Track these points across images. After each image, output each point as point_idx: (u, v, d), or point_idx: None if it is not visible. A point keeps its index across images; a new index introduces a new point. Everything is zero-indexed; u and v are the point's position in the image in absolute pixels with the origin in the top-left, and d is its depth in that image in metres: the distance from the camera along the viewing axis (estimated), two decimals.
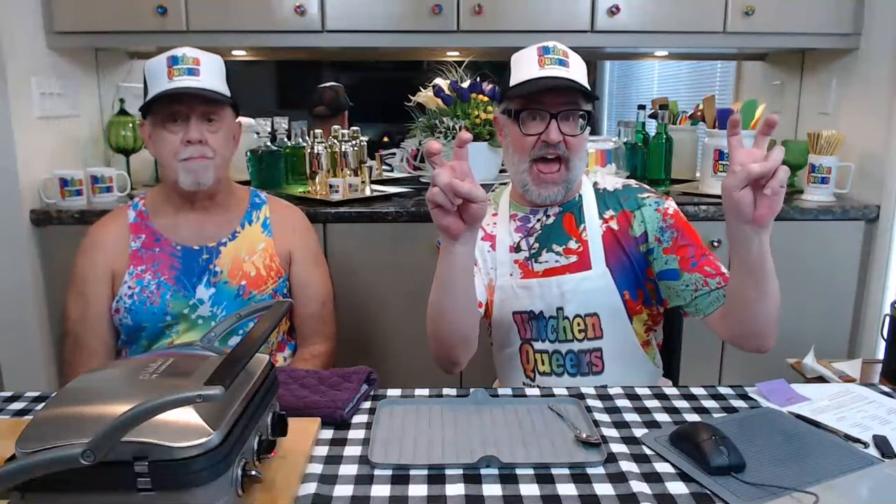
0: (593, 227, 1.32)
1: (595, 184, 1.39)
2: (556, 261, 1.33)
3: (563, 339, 1.32)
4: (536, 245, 1.35)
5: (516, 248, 1.36)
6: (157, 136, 1.38)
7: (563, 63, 1.26)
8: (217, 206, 1.48)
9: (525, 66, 1.27)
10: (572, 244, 1.33)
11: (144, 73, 1.39)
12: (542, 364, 1.35)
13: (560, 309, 1.31)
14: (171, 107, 1.36)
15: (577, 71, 1.28)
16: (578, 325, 1.31)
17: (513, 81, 1.28)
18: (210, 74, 1.38)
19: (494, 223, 1.40)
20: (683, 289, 1.27)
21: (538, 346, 1.34)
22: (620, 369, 1.33)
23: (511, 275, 1.35)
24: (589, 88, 1.28)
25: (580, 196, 1.36)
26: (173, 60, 1.36)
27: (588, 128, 1.30)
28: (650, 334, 1.39)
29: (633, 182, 1.40)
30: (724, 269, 1.26)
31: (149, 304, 1.40)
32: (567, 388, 1.22)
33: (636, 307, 1.33)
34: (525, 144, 1.28)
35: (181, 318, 1.42)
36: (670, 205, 1.33)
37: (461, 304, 1.19)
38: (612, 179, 1.41)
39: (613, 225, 1.33)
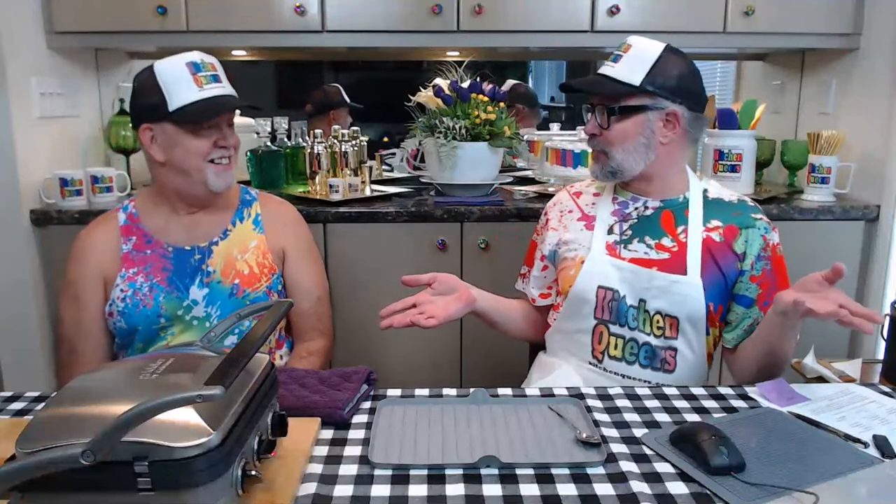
0: (695, 232, 1.33)
1: (706, 190, 1.39)
2: (646, 253, 1.34)
3: (641, 329, 1.33)
4: (629, 232, 1.37)
5: (608, 231, 1.38)
6: (181, 141, 1.37)
7: (616, 59, 1.32)
8: (209, 206, 1.47)
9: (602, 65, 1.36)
10: (666, 241, 1.34)
11: (157, 77, 1.35)
12: (615, 348, 1.34)
13: (643, 301, 1.32)
14: (204, 114, 1.36)
15: (628, 65, 1.30)
16: (657, 322, 1.32)
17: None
18: (226, 79, 1.42)
19: (593, 203, 1.43)
20: (745, 318, 1.33)
21: (614, 329, 1.34)
22: (689, 373, 1.33)
23: (605, 253, 1.36)
24: (623, 80, 1.29)
25: (685, 198, 1.37)
26: (195, 67, 1.36)
27: (632, 119, 1.30)
28: (713, 348, 1.40)
29: (748, 199, 1.41)
30: None
31: (142, 307, 1.40)
32: (635, 377, 1.31)
33: (716, 320, 1.34)
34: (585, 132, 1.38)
35: (175, 319, 1.42)
36: (775, 237, 1.36)
37: (503, 326, 1.48)
38: (726, 191, 1.41)
39: (716, 236, 1.33)
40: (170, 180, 1.42)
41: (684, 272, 1.30)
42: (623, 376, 1.33)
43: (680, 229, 1.34)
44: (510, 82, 3.22)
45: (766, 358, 1.27)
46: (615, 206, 1.40)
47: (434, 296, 1.30)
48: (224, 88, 1.39)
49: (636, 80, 1.28)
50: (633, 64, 1.30)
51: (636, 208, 1.38)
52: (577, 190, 1.49)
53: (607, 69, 1.32)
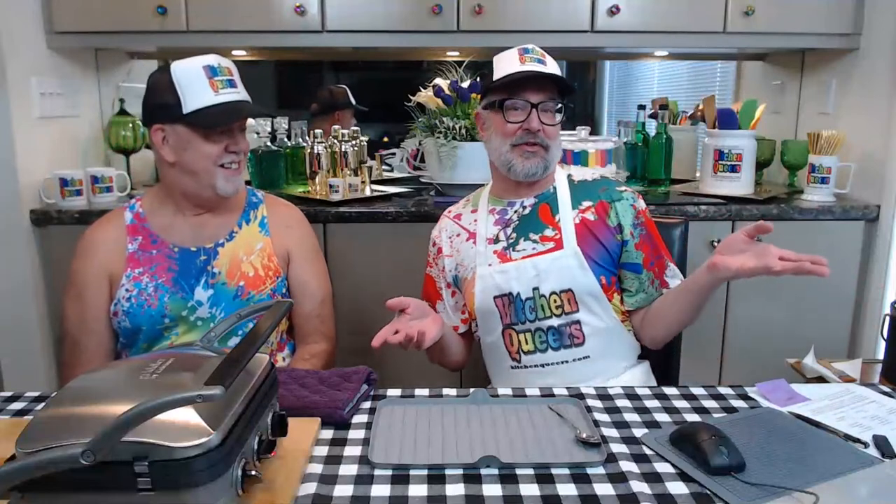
0: (566, 214, 1.40)
1: (570, 176, 1.47)
2: (534, 248, 1.40)
3: (542, 316, 1.37)
4: (514, 235, 1.42)
5: (495, 240, 1.43)
6: (193, 143, 1.36)
7: (541, 62, 1.38)
8: (215, 207, 1.48)
9: (507, 64, 1.38)
10: (548, 232, 1.40)
11: (173, 78, 1.34)
12: (526, 344, 1.39)
13: (536, 289, 1.37)
14: (219, 118, 1.36)
15: (553, 70, 1.38)
16: (555, 301, 1.37)
17: (496, 77, 1.39)
18: (241, 84, 1.42)
19: (475, 220, 1.48)
20: (638, 282, 1.41)
21: (519, 328, 1.39)
22: (602, 340, 1.38)
23: (490, 265, 1.41)
24: (567, 82, 1.40)
25: (554, 188, 1.44)
26: (212, 71, 1.36)
27: (562, 118, 1.40)
28: (627, 314, 1.44)
29: (609, 175, 1.50)
30: (666, 278, 1.42)
31: (147, 307, 1.40)
32: (553, 362, 1.37)
33: (611, 291, 1.40)
34: (508, 131, 1.38)
35: (179, 320, 1.42)
36: (642, 204, 1.45)
37: (444, 354, 1.49)
38: (587, 171, 1.51)
39: (589, 215, 1.41)
40: (178, 181, 1.42)
41: (563, 248, 1.38)
42: (543, 366, 1.38)
43: (557, 217, 1.41)
44: None
45: (685, 316, 1.35)
46: (494, 217, 1.46)
47: (412, 321, 1.29)
48: (239, 94, 1.40)
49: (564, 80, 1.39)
50: (555, 69, 1.39)
51: (515, 211, 1.44)
52: (456, 213, 1.54)
53: (543, 69, 1.36)
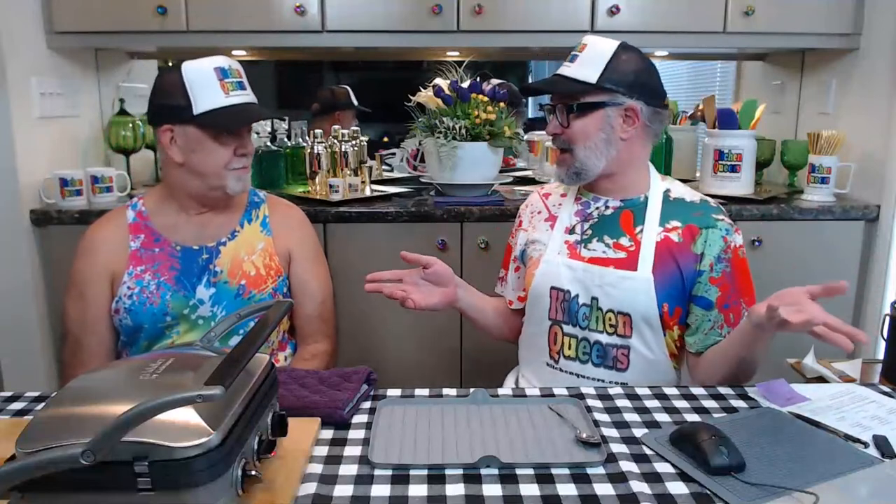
0: (650, 231, 1.33)
1: (667, 190, 1.39)
2: (604, 252, 1.35)
3: (593, 328, 1.34)
4: (590, 232, 1.38)
5: (571, 230, 1.40)
6: (203, 145, 1.37)
7: (573, 59, 1.35)
8: (217, 207, 1.48)
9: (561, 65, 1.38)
10: (624, 241, 1.35)
11: (184, 79, 1.34)
12: (569, 348, 1.36)
13: (595, 299, 1.33)
14: (230, 121, 1.36)
15: (583, 63, 1.33)
16: (610, 319, 1.33)
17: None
18: (249, 86, 1.42)
19: (560, 204, 1.46)
20: (705, 321, 1.32)
21: (567, 329, 1.36)
22: (643, 372, 1.33)
23: (559, 253, 1.38)
24: (578, 77, 1.32)
25: (646, 198, 1.38)
26: (223, 73, 1.36)
27: (591, 116, 1.32)
28: (679, 350, 1.39)
29: (711, 200, 1.41)
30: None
31: (148, 305, 1.40)
32: (588, 376, 1.33)
33: (671, 322, 1.33)
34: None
35: (181, 318, 1.42)
36: (738, 239, 1.34)
37: (483, 325, 1.51)
38: (688, 191, 1.41)
39: (675, 236, 1.33)
40: (185, 182, 1.42)
41: (635, 269, 1.32)
42: (578, 376, 1.36)
43: (638, 229, 1.35)
44: (493, 82, 3.22)
45: (735, 368, 1.25)
46: (578, 206, 1.43)
47: (422, 280, 1.34)
48: (248, 96, 1.40)
49: (592, 77, 1.31)
50: (589, 62, 1.32)
51: (597, 208, 1.40)
52: (547, 191, 1.52)
53: (564, 69, 1.35)
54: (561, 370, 1.38)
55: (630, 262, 1.32)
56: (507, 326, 1.52)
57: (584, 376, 1.35)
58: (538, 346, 1.41)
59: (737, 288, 1.32)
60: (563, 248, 1.39)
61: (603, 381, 1.33)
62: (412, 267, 1.38)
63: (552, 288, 1.37)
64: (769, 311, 1.03)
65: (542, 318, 1.39)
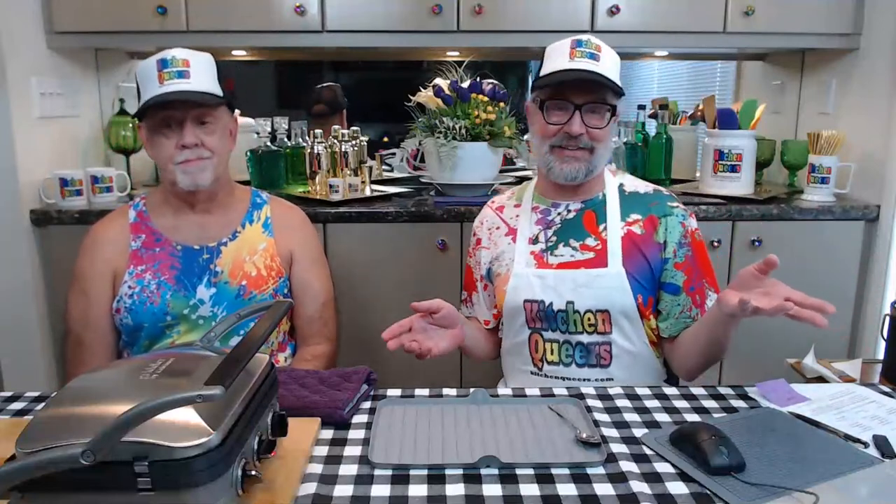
0: (614, 227, 1.35)
1: (621, 185, 1.41)
2: (572, 255, 1.35)
3: (573, 330, 1.34)
4: (554, 238, 1.38)
5: (534, 240, 1.40)
6: (153, 141, 1.38)
7: (593, 57, 1.30)
8: (218, 206, 1.48)
9: (557, 58, 1.32)
10: (590, 241, 1.36)
11: (136, 76, 1.37)
12: (551, 354, 1.36)
13: (571, 303, 1.33)
14: (163, 112, 1.35)
15: (607, 65, 1.31)
16: (588, 319, 1.33)
17: (543, 72, 1.34)
18: (201, 74, 1.37)
19: (517, 216, 1.44)
20: (675, 306, 1.35)
21: (548, 335, 1.36)
22: (627, 365, 1.35)
23: (527, 265, 1.38)
24: (617, 83, 1.31)
25: (604, 195, 1.39)
26: (163, 64, 1.34)
27: (615, 120, 1.34)
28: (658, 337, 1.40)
29: (664, 189, 1.43)
30: (708, 303, 1.35)
31: (149, 304, 1.40)
32: (574, 377, 1.32)
33: (647, 312, 1.35)
34: (548, 132, 1.33)
35: (181, 318, 1.42)
36: (693, 223, 1.39)
37: (472, 352, 1.48)
38: (641, 183, 1.43)
39: (637, 229, 1.35)
40: (163, 177, 1.44)
41: (606, 266, 1.33)
42: (563, 378, 1.35)
43: (602, 227, 1.36)
44: (485, 81, 3.22)
45: (708, 349, 1.28)
46: (537, 215, 1.42)
47: (431, 325, 1.27)
48: (189, 84, 1.34)
49: (618, 80, 1.32)
50: (612, 65, 1.32)
51: (559, 213, 1.40)
52: (500, 204, 1.51)
53: (594, 65, 1.29)
54: (546, 376, 1.37)
55: (600, 260, 1.34)
56: (488, 345, 1.50)
57: (570, 378, 1.35)
58: (521, 356, 1.41)
59: (699, 269, 1.36)
60: (530, 259, 1.38)
61: (589, 379, 1.34)
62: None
63: (525, 301, 1.36)
64: (741, 303, 1.05)
65: (521, 328, 1.39)
